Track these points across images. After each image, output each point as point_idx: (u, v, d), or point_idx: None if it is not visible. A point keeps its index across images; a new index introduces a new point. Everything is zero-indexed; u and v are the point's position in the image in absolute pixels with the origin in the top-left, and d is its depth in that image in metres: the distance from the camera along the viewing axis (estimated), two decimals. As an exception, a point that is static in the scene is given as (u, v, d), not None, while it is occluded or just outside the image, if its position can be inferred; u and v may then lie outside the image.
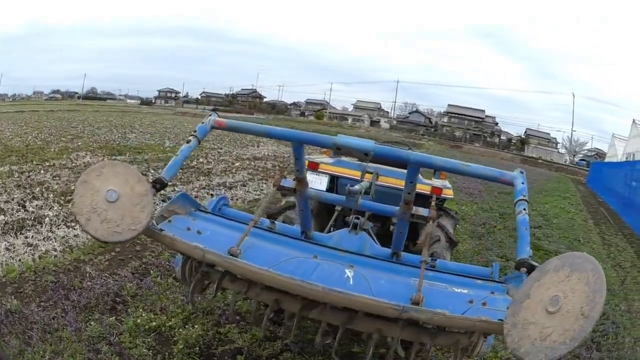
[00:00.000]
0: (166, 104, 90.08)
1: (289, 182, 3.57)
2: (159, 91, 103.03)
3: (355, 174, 5.10)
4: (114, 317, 4.32)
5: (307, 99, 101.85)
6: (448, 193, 5.27)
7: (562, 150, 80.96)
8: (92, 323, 4.15)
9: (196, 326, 4.33)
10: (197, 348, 4.03)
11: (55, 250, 5.82)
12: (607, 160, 41.22)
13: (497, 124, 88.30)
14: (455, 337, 2.98)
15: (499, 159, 47.65)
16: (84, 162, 12.55)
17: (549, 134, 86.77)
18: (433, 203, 3.61)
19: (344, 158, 5.63)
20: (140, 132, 23.40)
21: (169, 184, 3.03)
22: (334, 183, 5.43)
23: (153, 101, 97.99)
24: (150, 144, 17.71)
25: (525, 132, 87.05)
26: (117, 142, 18.14)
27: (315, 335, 4.39)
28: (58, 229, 6.61)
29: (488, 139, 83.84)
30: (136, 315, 4.37)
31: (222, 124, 3.27)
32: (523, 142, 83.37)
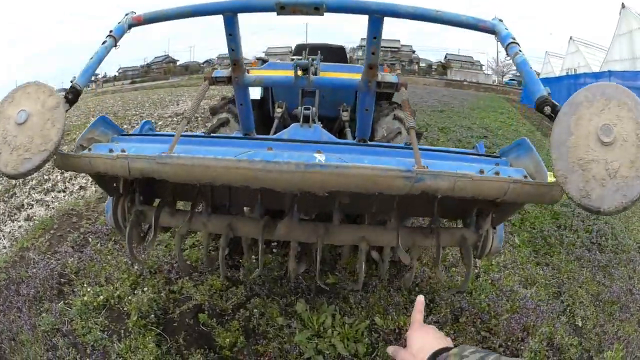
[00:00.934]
0: (88, 88, 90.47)
1: (222, 72, 3.04)
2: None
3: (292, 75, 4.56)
4: (62, 302, 3.93)
5: (219, 55, 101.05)
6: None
7: (489, 72, 77.89)
8: (43, 315, 3.75)
9: (146, 289, 3.95)
10: (153, 315, 3.64)
11: (4, 247, 5.50)
12: (542, 77, 41.83)
13: (414, 52, 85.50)
14: (460, 233, 2.64)
15: (422, 85, 46.81)
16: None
17: (471, 57, 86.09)
18: (399, 70, 3.18)
19: (274, 61, 5.13)
20: (67, 117, 22.84)
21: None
22: (269, 90, 4.96)
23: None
24: (77, 125, 17.54)
25: (446, 57, 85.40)
26: None
27: (281, 272, 4.09)
28: (5, 225, 6.29)
29: (406, 67, 79.77)
30: (82, 293, 3.97)
31: (140, 18, 2.81)
32: (444, 66, 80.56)
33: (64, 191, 7.50)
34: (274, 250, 4.39)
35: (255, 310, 3.66)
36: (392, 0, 2.46)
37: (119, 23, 2.78)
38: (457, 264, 4.67)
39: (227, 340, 3.39)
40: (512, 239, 5.58)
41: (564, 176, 1.83)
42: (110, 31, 2.76)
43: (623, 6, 14.42)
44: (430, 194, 1.99)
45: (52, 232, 5.68)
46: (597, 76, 16.48)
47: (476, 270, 4.59)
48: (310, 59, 3.20)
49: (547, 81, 29.39)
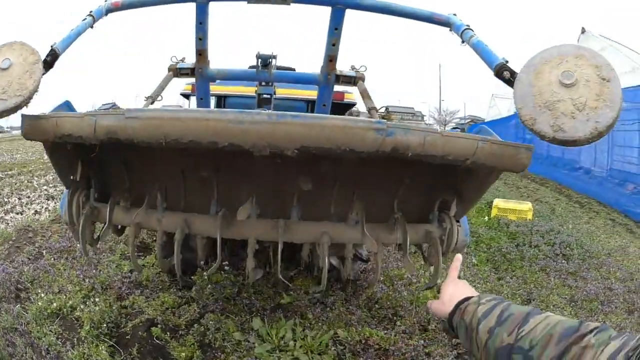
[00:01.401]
0: None
1: (186, 64, 3.14)
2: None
3: (246, 90, 4.52)
4: (19, 305, 3.83)
5: (163, 105, 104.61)
6: (351, 98, 4.77)
7: (431, 121, 79.79)
8: (2, 313, 3.66)
9: (97, 300, 3.83)
10: (104, 326, 3.49)
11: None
12: (489, 121, 41.96)
13: (354, 104, 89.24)
14: (424, 227, 2.63)
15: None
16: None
17: (412, 107, 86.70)
18: (357, 69, 3.26)
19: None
20: (24, 152, 24.85)
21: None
22: (222, 105, 4.89)
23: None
24: (33, 160, 18.88)
25: (387, 109, 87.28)
26: (8, 162, 18.81)
27: (234, 290, 3.97)
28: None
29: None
30: (37, 299, 3.88)
31: (118, 4, 2.94)
32: (385, 118, 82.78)
33: (21, 214, 7.99)
34: (226, 268, 4.28)
35: (210, 324, 3.53)
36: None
37: (99, 7, 2.89)
38: (416, 280, 4.65)
39: (183, 354, 3.25)
40: (469, 259, 5.51)
41: (532, 119, 1.91)
42: (91, 11, 2.87)
43: (583, 31, 14.75)
44: (399, 155, 1.94)
45: (10, 242, 5.83)
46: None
47: (438, 281, 4.54)
48: (271, 53, 3.25)
49: (493, 123, 27.97)
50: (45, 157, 18.83)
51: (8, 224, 7.11)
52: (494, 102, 42.86)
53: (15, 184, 11.14)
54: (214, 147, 1.93)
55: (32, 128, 2.18)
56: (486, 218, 7.92)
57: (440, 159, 1.98)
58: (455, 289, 1.47)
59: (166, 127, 1.94)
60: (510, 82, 2.24)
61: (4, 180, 11.75)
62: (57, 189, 10.06)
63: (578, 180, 13.61)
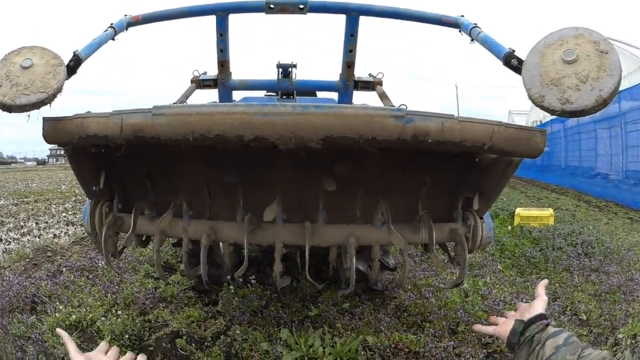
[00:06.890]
0: (57, 162, 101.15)
1: (208, 76, 3.18)
2: (50, 150, 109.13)
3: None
4: (34, 317, 3.83)
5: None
6: None
7: None
8: (15, 322, 3.69)
9: (119, 312, 3.76)
10: (126, 337, 3.40)
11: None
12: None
13: None
14: (449, 226, 2.63)
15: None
16: (-1, 205, 13.42)
17: None
18: (374, 76, 3.26)
19: (250, 95, 5.09)
20: (40, 182, 25.70)
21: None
22: None
23: (47, 160, 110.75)
24: (50, 189, 19.18)
25: None
26: (23, 190, 19.14)
27: (261, 303, 3.92)
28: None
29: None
30: (54, 312, 3.85)
31: (138, 18, 2.97)
32: None
33: (38, 237, 7.80)
34: (253, 281, 4.21)
35: (237, 335, 3.43)
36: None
37: (119, 20, 2.90)
38: (444, 286, 4.58)
39: (209, 364, 3.15)
40: (494, 266, 5.51)
41: (541, 96, 2.03)
42: (112, 23, 2.88)
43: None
44: (419, 143, 1.93)
45: (27, 260, 5.83)
46: (563, 120, 17.28)
47: (464, 285, 4.52)
48: (291, 62, 3.26)
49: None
50: (63, 187, 19.39)
51: (25, 245, 6.91)
52: (511, 118, 42.80)
53: (32, 210, 11.14)
54: (240, 142, 1.88)
55: (55, 130, 2.13)
56: (509, 227, 7.95)
57: (458, 145, 1.96)
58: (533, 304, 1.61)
59: (193, 122, 1.89)
60: (518, 69, 2.37)
61: (19, 206, 11.89)
62: (77, 216, 9.94)
63: (596, 185, 14.30)
